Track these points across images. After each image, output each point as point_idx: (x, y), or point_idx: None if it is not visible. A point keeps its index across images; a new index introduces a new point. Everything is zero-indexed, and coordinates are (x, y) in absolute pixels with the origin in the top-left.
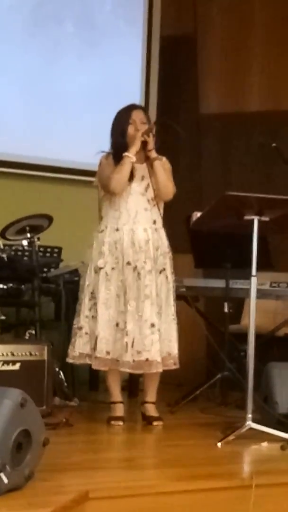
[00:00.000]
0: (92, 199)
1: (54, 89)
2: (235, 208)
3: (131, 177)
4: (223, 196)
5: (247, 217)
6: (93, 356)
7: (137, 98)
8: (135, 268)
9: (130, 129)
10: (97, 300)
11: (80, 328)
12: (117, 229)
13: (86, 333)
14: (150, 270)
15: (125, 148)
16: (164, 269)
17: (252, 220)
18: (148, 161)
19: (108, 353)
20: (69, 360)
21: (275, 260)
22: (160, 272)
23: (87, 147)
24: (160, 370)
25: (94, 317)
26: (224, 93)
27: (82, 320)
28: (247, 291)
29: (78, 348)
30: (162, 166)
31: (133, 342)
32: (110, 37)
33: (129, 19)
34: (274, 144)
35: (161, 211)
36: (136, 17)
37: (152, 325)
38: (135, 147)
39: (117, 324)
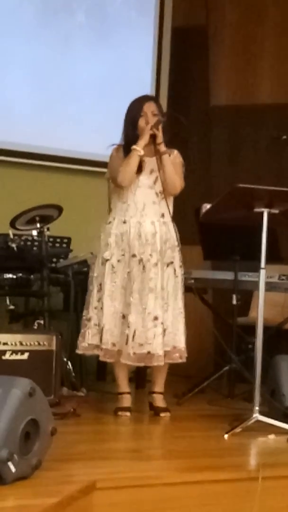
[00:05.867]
0: (102, 190)
1: (64, 79)
2: (245, 200)
3: (139, 170)
4: (233, 188)
5: (256, 210)
6: (100, 347)
7: (147, 89)
8: (140, 260)
9: (141, 122)
10: (103, 292)
11: (89, 320)
12: (124, 221)
13: (95, 325)
14: (156, 263)
15: (136, 140)
16: (172, 262)
17: (262, 213)
18: (158, 154)
19: (114, 344)
20: (79, 351)
21: (284, 253)
22: (168, 265)
23: (98, 138)
24: (161, 363)
25: (102, 309)
26: (235, 85)
27: (91, 311)
28: (256, 283)
29: (87, 339)
30: (173, 160)
31: (134, 334)
32: (121, 28)
33: (141, 10)
34: (284, 137)
35: (171, 204)
36: (147, 8)
37: (155, 318)
38: (143, 141)
39: (123, 316)
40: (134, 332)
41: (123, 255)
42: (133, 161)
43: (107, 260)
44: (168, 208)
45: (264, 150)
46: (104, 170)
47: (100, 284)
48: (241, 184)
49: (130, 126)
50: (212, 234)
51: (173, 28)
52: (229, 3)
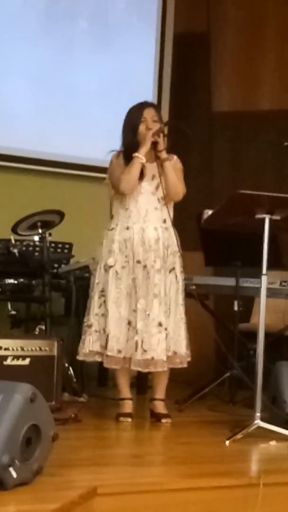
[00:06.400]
0: (103, 195)
1: (66, 85)
2: (246, 206)
3: (142, 176)
4: (235, 194)
5: (258, 216)
6: (105, 354)
7: (149, 95)
8: (145, 266)
9: (141, 127)
10: (107, 298)
11: (90, 326)
12: (128, 228)
13: (96, 331)
14: (159, 269)
15: (136, 146)
16: (173, 268)
17: (263, 219)
18: (159, 160)
19: (119, 351)
20: (80, 357)
21: (286, 259)
22: (170, 271)
23: (99, 143)
24: (165, 369)
25: (104, 315)
26: (237, 91)
27: (92, 317)
28: (257, 289)
29: (88, 346)
30: (173, 166)
31: (142, 341)
32: (123, 34)
33: (143, 16)
34: (286, 143)
35: (171, 210)
36: (149, 14)
37: (160, 324)
38: (145, 148)
39: (129, 323)
40: (142, 338)
41: (127, 261)
42: (135, 169)
43: (110, 266)
44: (169, 213)
45: (266, 156)
46: (106, 176)
47: (102, 291)
48: (243, 190)
49: (130, 132)
50: (213, 240)
51: (175, 34)
52: (231, 10)
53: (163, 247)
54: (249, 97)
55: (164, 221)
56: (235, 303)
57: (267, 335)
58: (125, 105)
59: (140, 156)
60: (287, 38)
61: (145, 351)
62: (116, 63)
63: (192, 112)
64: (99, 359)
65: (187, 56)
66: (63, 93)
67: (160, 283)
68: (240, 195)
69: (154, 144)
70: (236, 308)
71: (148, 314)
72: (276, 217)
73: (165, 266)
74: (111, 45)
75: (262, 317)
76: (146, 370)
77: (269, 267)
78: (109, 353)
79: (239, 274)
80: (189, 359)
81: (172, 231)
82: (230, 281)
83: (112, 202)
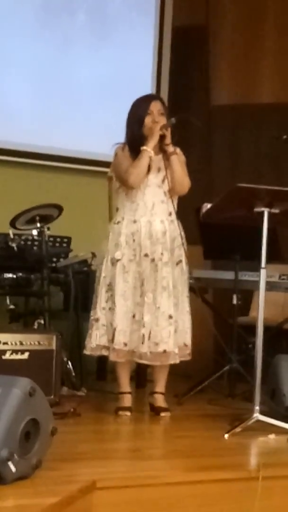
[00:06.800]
0: (102, 189)
1: (65, 79)
2: (245, 200)
3: (148, 169)
4: (234, 187)
5: (257, 209)
6: (111, 348)
7: (148, 89)
8: (152, 260)
9: (147, 120)
10: (114, 292)
11: (97, 320)
12: (135, 221)
13: (103, 325)
14: (167, 262)
15: (142, 139)
16: (180, 261)
17: (262, 212)
18: (165, 154)
19: (125, 344)
20: (86, 352)
21: (285, 252)
22: (177, 264)
23: (97, 138)
24: (177, 361)
25: (111, 309)
26: (236, 85)
27: (99, 312)
28: (256, 283)
29: (95, 340)
30: (178, 158)
31: (149, 334)
32: (121, 28)
33: (141, 10)
34: (285, 136)
35: (176, 204)
36: (148, 8)
37: (170, 317)
38: (153, 141)
39: (133, 316)
40: (150, 331)
41: (134, 254)
42: (144, 162)
43: (118, 260)
44: (174, 207)
45: (265, 149)
46: (105, 169)
47: (109, 285)
48: (242, 184)
49: (136, 124)
50: (212, 233)
51: (174, 28)
52: (229, 3)
53: (170, 240)
54: (248, 91)
55: (170, 214)
56: (234, 296)
57: (266, 328)
58: (124, 99)
59: (149, 149)
60: (286, 31)
61: (156, 344)
62: (115, 57)
63: (191, 106)
64: (106, 353)
65: (186, 50)
66: (61, 87)
67: (168, 275)
68: (239, 189)
69: (161, 138)
70: (235, 301)
71: (158, 307)
72: (275, 211)
73: (172, 259)
74: (110, 39)
75: (261, 311)
76: (155, 364)
77: (268, 261)
78: (116, 347)
79: (238, 267)
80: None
81: (177, 224)
82: (229, 275)
83: (111, 196)
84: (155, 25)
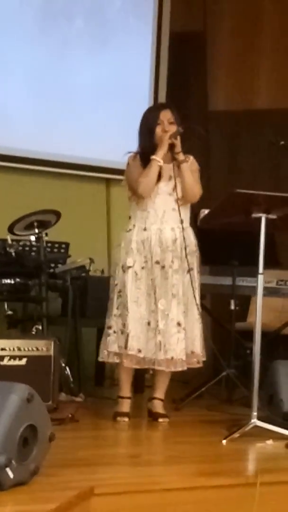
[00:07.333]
0: (99, 195)
1: (63, 84)
2: (242, 205)
3: (159, 178)
4: (231, 193)
5: (254, 215)
6: (124, 354)
7: (146, 94)
8: (163, 267)
9: (158, 130)
10: (125, 298)
11: (110, 327)
12: (145, 229)
13: (115, 332)
14: (177, 269)
15: (153, 148)
16: (192, 269)
17: (260, 218)
18: (175, 162)
19: (139, 351)
20: (100, 359)
21: (282, 258)
22: (188, 272)
23: (96, 143)
24: (185, 368)
25: (122, 315)
26: (233, 90)
27: (112, 319)
28: (254, 288)
29: (107, 347)
30: (190, 167)
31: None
32: (119, 33)
33: (139, 15)
34: (282, 142)
35: (188, 211)
36: (146, 13)
37: (178, 324)
38: (163, 150)
39: (148, 323)
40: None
41: (146, 262)
42: (153, 172)
43: (129, 267)
44: (187, 214)
45: (262, 155)
46: (102, 175)
47: (119, 291)
48: (239, 190)
49: (147, 134)
50: (210, 239)
51: (171, 33)
52: (227, 9)
53: (181, 248)
54: (245, 96)
55: (181, 221)
56: (232, 302)
57: (263, 334)
58: (122, 104)
59: (158, 159)
60: (283, 37)
61: (166, 351)
62: (113, 62)
63: (189, 111)
64: (117, 360)
65: (184, 55)
66: (59, 92)
67: (178, 283)
68: (236, 194)
69: (171, 146)
70: (232, 307)
71: (167, 314)
72: (273, 216)
73: (183, 266)
74: (108, 44)
75: (259, 316)
76: (169, 370)
77: (266, 266)
78: (130, 352)
79: (236, 273)
80: (204, 359)
81: (190, 232)
82: (226, 280)
83: (129, 203)
84: (153, 30)
